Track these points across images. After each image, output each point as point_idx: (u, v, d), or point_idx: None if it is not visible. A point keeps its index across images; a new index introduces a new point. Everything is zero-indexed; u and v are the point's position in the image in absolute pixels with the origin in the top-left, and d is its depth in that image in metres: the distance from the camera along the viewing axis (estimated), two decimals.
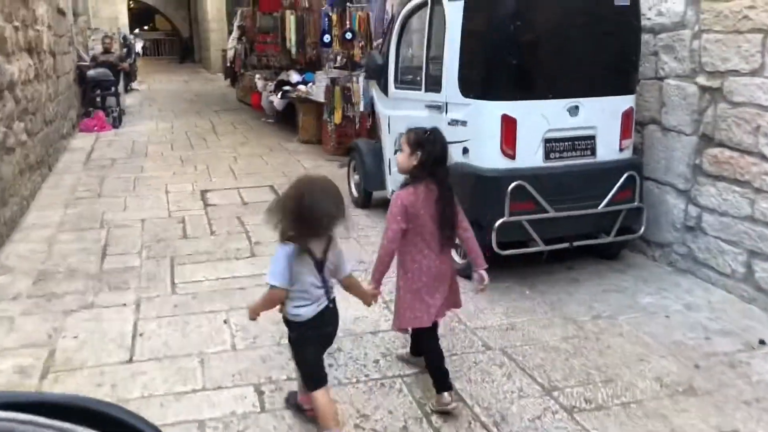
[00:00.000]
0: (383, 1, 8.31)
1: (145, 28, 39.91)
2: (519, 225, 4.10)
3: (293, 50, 10.59)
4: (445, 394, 2.90)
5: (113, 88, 12.22)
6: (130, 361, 3.40)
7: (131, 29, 32.78)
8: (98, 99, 12.14)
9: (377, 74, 5.58)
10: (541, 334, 3.67)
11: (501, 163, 4.10)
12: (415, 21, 5.09)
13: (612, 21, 4.19)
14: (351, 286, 2.80)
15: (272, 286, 2.55)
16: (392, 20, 5.59)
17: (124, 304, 4.09)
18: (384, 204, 6.06)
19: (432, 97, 4.61)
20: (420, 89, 4.81)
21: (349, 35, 7.62)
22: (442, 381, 2.94)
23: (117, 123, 11.58)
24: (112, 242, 5.28)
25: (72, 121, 10.51)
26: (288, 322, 2.69)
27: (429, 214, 2.89)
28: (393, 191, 5.45)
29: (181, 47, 33.64)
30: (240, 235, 5.45)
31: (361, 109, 7.96)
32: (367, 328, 3.76)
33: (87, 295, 4.22)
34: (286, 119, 11.19)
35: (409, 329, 3.15)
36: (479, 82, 4.16)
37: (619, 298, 4.15)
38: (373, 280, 2.96)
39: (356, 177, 6.21)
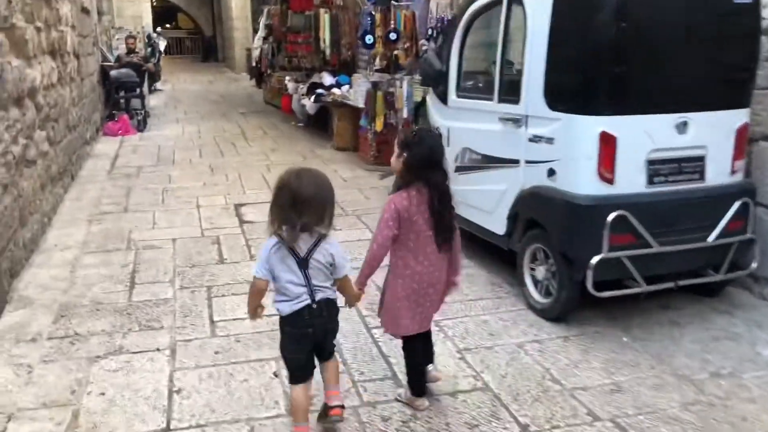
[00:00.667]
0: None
1: (167, 26, 39.69)
2: (618, 262, 3.49)
3: (327, 51, 10.03)
4: (424, 399, 2.99)
5: (138, 90, 11.76)
6: (168, 429, 2.85)
7: (154, 27, 32.56)
8: (122, 101, 11.70)
9: (435, 81, 4.99)
10: (654, 398, 3.06)
11: (598, 188, 3.49)
12: (484, 21, 4.49)
13: (729, 22, 3.56)
14: (342, 287, 2.72)
15: (254, 276, 2.60)
16: (453, 20, 4.99)
17: (158, 349, 3.54)
18: None
19: (508, 108, 4.01)
20: (491, 99, 4.21)
21: (393, 36, 7.04)
22: (419, 384, 3.01)
23: (142, 126, 11.11)
24: (141, 267, 4.75)
25: (96, 125, 10.04)
26: None
27: (424, 219, 2.79)
28: None
29: (204, 46, 33.30)
30: None
31: (405, 115, 7.38)
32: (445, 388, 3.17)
33: (115, 336, 3.68)
34: (318, 123, 10.65)
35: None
36: (572, 93, 3.55)
37: (735, 348, 3.53)
38: (359, 282, 2.85)
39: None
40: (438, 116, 5.04)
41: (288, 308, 2.59)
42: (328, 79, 10.35)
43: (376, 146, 7.61)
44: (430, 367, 3.06)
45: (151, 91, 16.50)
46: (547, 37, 3.62)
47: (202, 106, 14.75)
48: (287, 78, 11.71)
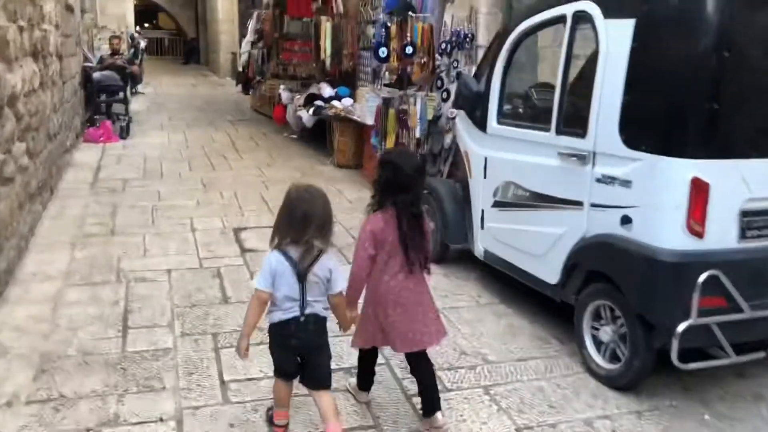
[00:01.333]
0: (441, 11, 7.25)
1: (146, 25, 38.80)
2: (705, 328, 3.00)
3: (328, 61, 9.48)
4: (361, 392, 3.18)
5: (121, 94, 11.09)
6: None
7: (135, 27, 31.70)
8: (104, 105, 11.02)
9: (470, 103, 4.49)
10: None
11: (685, 243, 2.99)
12: (538, 40, 3.99)
13: None
14: (335, 305, 2.76)
15: (256, 289, 2.65)
16: (497, 38, 4.49)
17: (161, 419, 2.96)
18: (465, 258, 4.97)
19: (569, 142, 3.51)
20: (547, 129, 3.70)
21: (409, 50, 6.52)
22: (362, 381, 3.17)
23: (125, 133, 10.44)
24: (135, 305, 4.15)
25: (77, 131, 9.37)
26: None
27: (395, 239, 2.81)
28: (485, 250, 4.37)
29: (185, 48, 32.50)
30: None
31: (417, 134, 6.86)
32: None
33: (108, 400, 3.08)
34: (312, 136, 10.09)
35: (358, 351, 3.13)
36: (658, 131, 3.05)
37: None
38: (349, 307, 2.86)
39: (430, 226, 5.09)
40: (472, 143, 4.53)
41: (276, 318, 2.69)
42: (327, 90, 9.80)
43: None
44: (438, 414, 2.92)
45: (132, 94, 15.79)
46: (626, 62, 3.13)
47: (187, 111, 14.09)
48: (281, 87, 11.12)
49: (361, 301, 2.95)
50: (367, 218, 2.89)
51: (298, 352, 2.73)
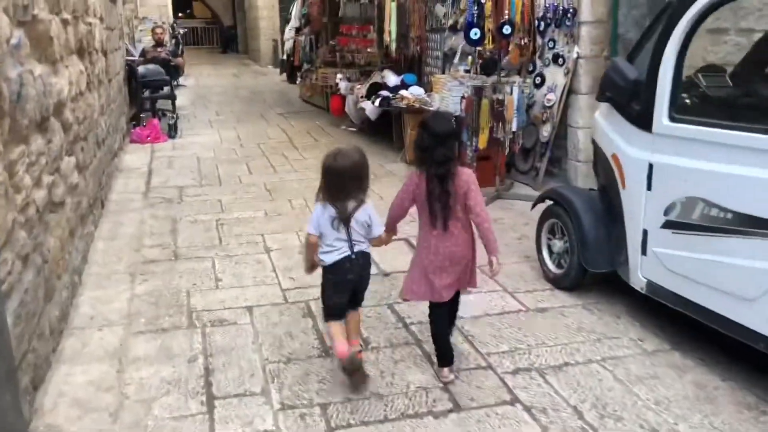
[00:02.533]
0: None
1: (180, 15, 38.26)
2: None
3: (393, 46, 8.56)
4: (445, 369, 3.18)
5: (167, 88, 10.35)
6: None
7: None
8: (149, 102, 10.30)
9: (626, 95, 3.54)
10: None
11: None
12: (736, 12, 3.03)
13: None
14: (374, 246, 3.19)
15: (308, 233, 3.13)
16: (662, 13, 3.52)
17: None
18: (606, 284, 4.06)
19: None
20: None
21: (507, 29, 5.57)
22: (440, 355, 3.21)
23: (174, 132, 9.70)
24: (216, 362, 3.34)
25: (123, 132, 8.65)
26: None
27: (423, 197, 3.05)
28: (648, 282, 3.45)
29: (222, 36, 31.83)
30: (410, 350, 3.48)
31: (514, 128, 5.93)
32: None
33: None
34: (374, 128, 9.20)
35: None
36: None
37: None
38: (386, 228, 3.20)
39: (558, 245, 4.18)
40: (627, 145, 3.59)
41: (331, 259, 3.09)
42: (392, 78, 8.89)
43: (475, 168, 6.14)
44: (446, 371, 3.17)
45: (174, 87, 15.11)
46: None
47: (234, 104, 13.32)
48: (338, 76, 10.23)
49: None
50: (411, 175, 3.17)
51: (353, 285, 3.17)
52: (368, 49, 10.47)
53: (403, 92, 8.20)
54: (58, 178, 3.86)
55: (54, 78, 3.88)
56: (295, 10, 15.38)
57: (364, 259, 3.17)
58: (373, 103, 8.53)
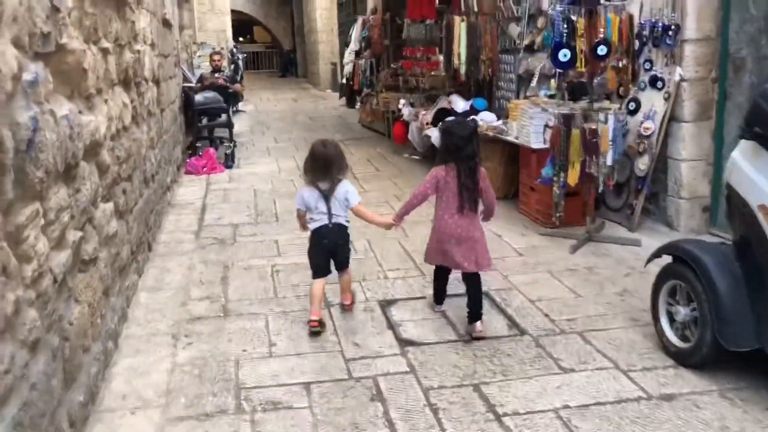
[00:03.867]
0: None
1: (241, 39, 38.69)
2: None
3: (463, 69, 7.92)
4: (436, 305, 4.23)
5: (224, 116, 9.96)
6: None
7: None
8: (206, 130, 9.94)
9: None
10: None
11: None
12: None
13: None
14: (357, 212, 4.04)
15: (297, 210, 4.09)
16: None
17: None
18: (755, 360, 3.24)
19: None
20: None
21: (602, 50, 4.84)
22: (437, 296, 4.23)
23: (230, 161, 9.27)
24: None
25: (177, 163, 8.25)
26: None
27: (453, 187, 3.81)
28: None
29: (282, 60, 31.90)
30: None
31: (609, 162, 5.18)
32: None
33: None
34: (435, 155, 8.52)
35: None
36: None
37: None
38: (397, 215, 4.11)
39: (683, 312, 3.41)
40: None
41: (314, 225, 4.00)
42: (460, 103, 8.24)
43: (563, 204, 5.40)
44: (478, 324, 3.83)
45: (233, 113, 14.85)
46: None
47: (292, 130, 12.91)
48: (401, 101, 9.65)
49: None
50: (433, 169, 3.92)
51: (329, 248, 4.01)
52: (432, 72, 9.88)
53: (476, 119, 7.53)
54: (90, 230, 3.34)
55: (87, 116, 3.37)
56: (355, 33, 14.98)
57: (340, 229, 4.01)
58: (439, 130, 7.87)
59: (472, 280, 3.90)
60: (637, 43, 5.51)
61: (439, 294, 4.22)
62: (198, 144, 9.50)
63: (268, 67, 34.48)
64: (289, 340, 3.84)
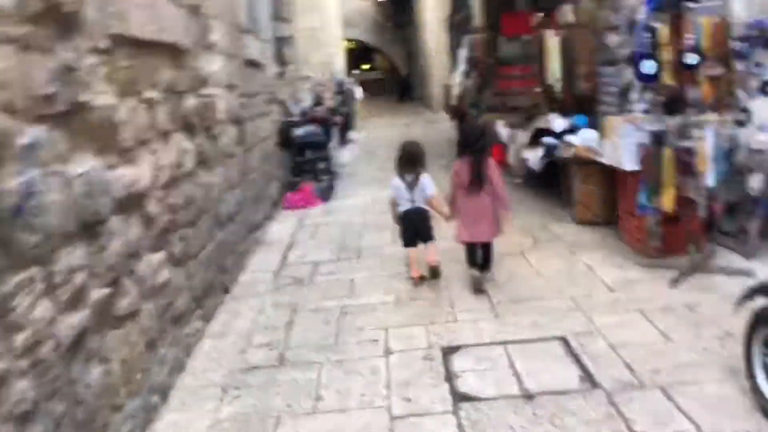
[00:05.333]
0: None
1: (364, 67, 39.60)
2: None
3: (557, 85, 7.42)
4: (472, 268, 5.03)
5: (324, 150, 9.99)
6: None
7: (350, 70, 32.15)
8: (308, 164, 10.01)
9: None
10: None
11: None
12: None
13: None
14: (429, 202, 5.22)
15: (390, 198, 5.38)
16: None
17: None
18: None
19: None
20: None
21: (693, 59, 4.26)
22: (471, 261, 5.06)
23: (327, 194, 9.26)
24: None
25: (273, 199, 8.33)
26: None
27: (466, 175, 4.85)
28: None
29: (400, 85, 32.25)
30: None
31: (710, 182, 4.53)
32: None
33: None
34: (543, 180, 8.01)
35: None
36: None
37: None
38: (448, 206, 5.14)
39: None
40: None
41: (403, 209, 5.24)
42: (558, 122, 7.69)
43: (661, 234, 4.80)
44: (485, 274, 5.04)
45: (342, 143, 15.01)
46: None
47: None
48: (500, 123, 9.23)
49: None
50: (455, 163, 5.07)
51: (413, 225, 5.26)
52: (535, 89, 9.37)
53: (570, 138, 7.00)
54: (128, 285, 3.30)
55: (123, 169, 3.36)
56: (463, 53, 14.70)
57: (420, 210, 5.24)
58: (536, 152, 7.41)
59: (485, 247, 5.06)
60: (744, 45, 4.83)
61: (473, 261, 5.08)
62: (296, 179, 9.57)
63: (389, 93, 35.02)
64: (337, 394, 3.60)
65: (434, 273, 5.16)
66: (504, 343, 4.02)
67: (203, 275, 4.70)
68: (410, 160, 5.19)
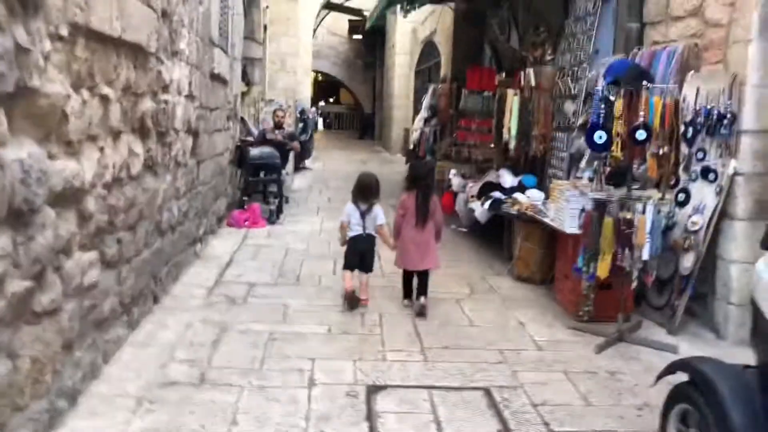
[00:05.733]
0: (677, 82, 5.14)
1: (330, 100, 39.84)
2: None
3: (512, 143, 7.61)
4: (405, 299, 5.58)
5: (276, 174, 9.93)
6: None
7: (316, 102, 32.29)
8: (260, 185, 9.95)
9: None
10: None
11: None
12: None
13: None
14: (378, 232, 5.64)
15: (341, 222, 5.68)
16: None
17: None
18: None
19: None
20: None
21: (642, 134, 4.44)
22: (405, 292, 5.61)
23: (274, 217, 9.20)
24: None
25: (218, 215, 8.21)
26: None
27: (412, 207, 5.39)
28: None
29: (361, 123, 32.55)
30: None
31: (645, 257, 4.68)
32: None
33: None
34: (486, 231, 8.15)
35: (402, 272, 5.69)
36: None
37: None
38: (394, 238, 5.64)
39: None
40: None
41: (353, 234, 5.57)
42: (508, 178, 7.89)
43: (593, 298, 4.92)
44: (422, 299, 5.39)
45: (297, 169, 14.98)
46: None
47: (349, 191, 12.78)
48: (452, 172, 9.39)
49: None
50: (402, 196, 5.62)
51: (360, 251, 5.59)
52: (491, 145, 9.59)
53: (517, 195, 7.17)
54: (53, 281, 3.18)
55: (65, 161, 3.26)
56: (426, 100, 14.95)
57: (369, 237, 5.58)
58: (483, 205, 7.54)
59: (423, 275, 5.48)
60: (691, 130, 5.06)
61: (407, 290, 5.59)
62: (245, 198, 9.48)
63: (350, 128, 35.28)
64: (254, 420, 3.52)
65: (353, 303, 5.39)
66: (429, 387, 4.01)
67: (134, 281, 4.57)
68: (366, 190, 5.53)
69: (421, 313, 5.25)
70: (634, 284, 4.75)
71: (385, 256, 6.45)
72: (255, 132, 11.31)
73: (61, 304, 3.31)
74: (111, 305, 4.10)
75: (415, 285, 5.53)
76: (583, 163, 6.50)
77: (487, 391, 3.98)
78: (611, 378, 4.28)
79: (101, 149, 3.80)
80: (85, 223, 3.61)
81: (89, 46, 3.49)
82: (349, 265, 5.56)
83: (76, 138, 3.39)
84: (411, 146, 16.26)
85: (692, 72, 5.20)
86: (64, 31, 3.16)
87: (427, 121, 14.74)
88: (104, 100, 3.79)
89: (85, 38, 3.43)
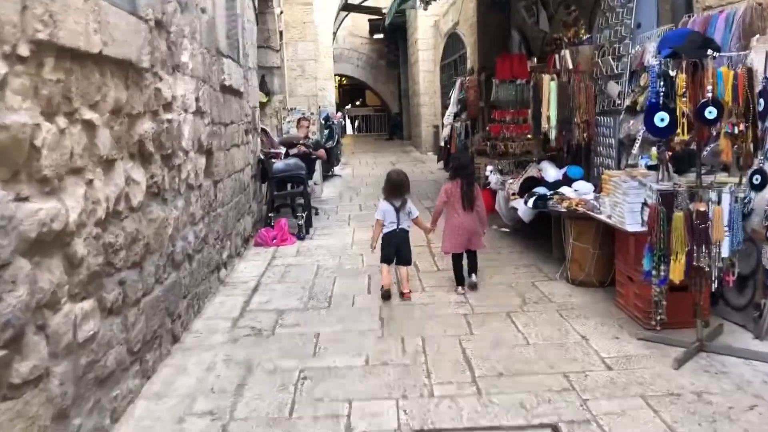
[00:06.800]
0: (742, 49, 4.46)
1: (357, 104, 39.45)
2: None
3: (552, 133, 6.96)
4: (459, 287, 5.85)
5: (302, 186, 9.43)
6: None
7: (342, 106, 31.86)
8: (286, 199, 9.46)
9: None
10: None
11: None
12: None
13: None
14: (416, 222, 5.95)
15: (377, 220, 5.88)
16: None
17: None
18: None
19: None
20: None
21: (711, 112, 3.79)
22: (457, 278, 5.89)
23: (303, 232, 8.69)
24: None
25: (243, 236, 7.74)
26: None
27: (457, 194, 5.86)
28: None
29: (389, 123, 32.04)
30: None
31: (725, 254, 4.02)
32: None
33: None
34: (532, 229, 7.53)
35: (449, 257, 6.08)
36: None
37: None
38: (432, 222, 6.10)
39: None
40: None
41: (387, 230, 5.79)
42: (551, 171, 7.26)
43: (665, 306, 4.27)
44: (473, 276, 5.93)
45: (326, 178, 14.51)
46: None
47: (381, 197, 12.25)
48: (489, 168, 8.77)
49: (441, 224, 6.09)
50: (444, 184, 6.08)
51: (395, 246, 5.79)
52: (528, 136, 8.95)
53: (564, 190, 6.53)
54: (33, 343, 2.70)
55: (40, 203, 2.78)
56: (454, 95, 14.39)
57: (404, 232, 5.84)
58: (526, 202, 6.91)
59: (472, 254, 5.96)
60: (762, 102, 4.38)
61: (459, 277, 5.89)
62: (271, 215, 9.00)
63: (378, 130, 34.83)
64: None
65: (387, 294, 5.63)
66: (487, 429, 3.43)
67: (145, 324, 4.09)
68: (398, 187, 5.80)
69: (474, 287, 5.80)
70: (714, 285, 4.09)
71: (425, 280, 6.37)
72: (277, 143, 10.83)
73: (48, 367, 2.83)
74: (117, 356, 3.62)
75: (465, 265, 5.93)
76: (635, 149, 5.83)
77: (555, 429, 3.38)
78: (699, 400, 3.64)
79: (89, 182, 3.32)
80: (75, 270, 3.13)
81: (61, 65, 3.00)
82: (386, 259, 5.79)
83: (52, 173, 2.91)
84: (442, 143, 15.71)
85: (757, 36, 4.51)
86: (24, 51, 2.67)
87: (456, 116, 14.17)
88: (88, 125, 3.30)
89: (54, 57, 2.94)
